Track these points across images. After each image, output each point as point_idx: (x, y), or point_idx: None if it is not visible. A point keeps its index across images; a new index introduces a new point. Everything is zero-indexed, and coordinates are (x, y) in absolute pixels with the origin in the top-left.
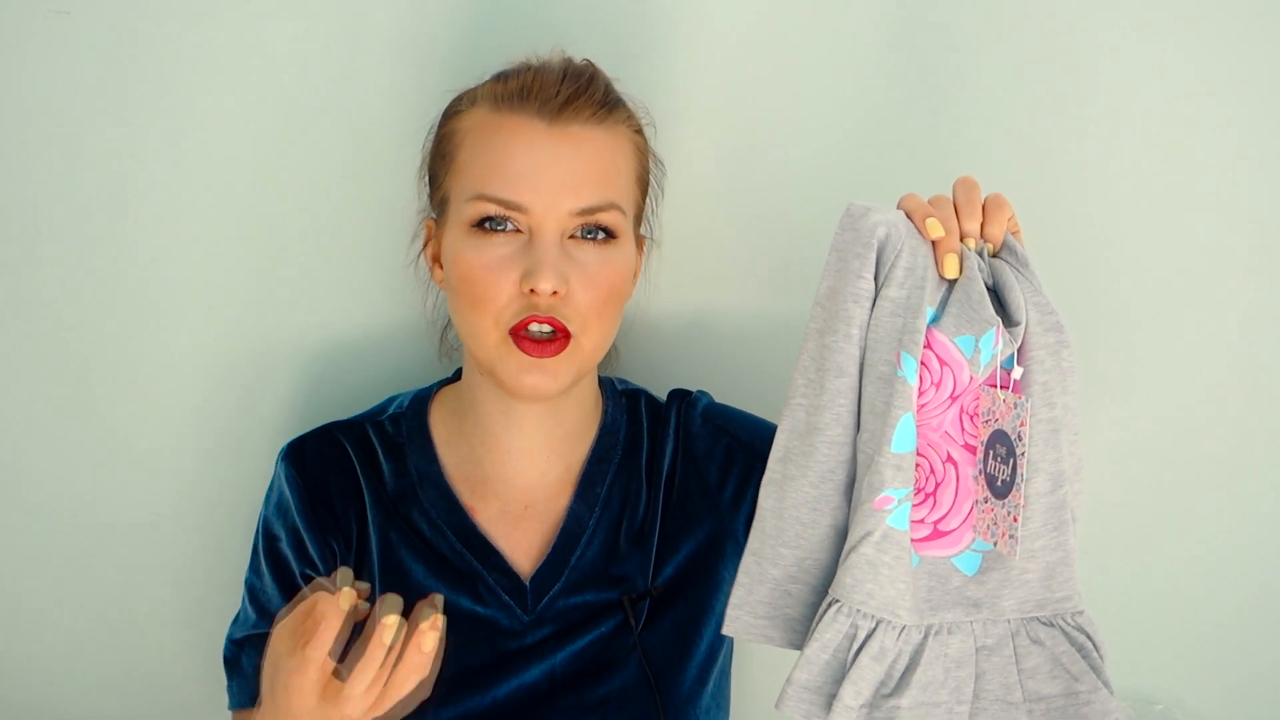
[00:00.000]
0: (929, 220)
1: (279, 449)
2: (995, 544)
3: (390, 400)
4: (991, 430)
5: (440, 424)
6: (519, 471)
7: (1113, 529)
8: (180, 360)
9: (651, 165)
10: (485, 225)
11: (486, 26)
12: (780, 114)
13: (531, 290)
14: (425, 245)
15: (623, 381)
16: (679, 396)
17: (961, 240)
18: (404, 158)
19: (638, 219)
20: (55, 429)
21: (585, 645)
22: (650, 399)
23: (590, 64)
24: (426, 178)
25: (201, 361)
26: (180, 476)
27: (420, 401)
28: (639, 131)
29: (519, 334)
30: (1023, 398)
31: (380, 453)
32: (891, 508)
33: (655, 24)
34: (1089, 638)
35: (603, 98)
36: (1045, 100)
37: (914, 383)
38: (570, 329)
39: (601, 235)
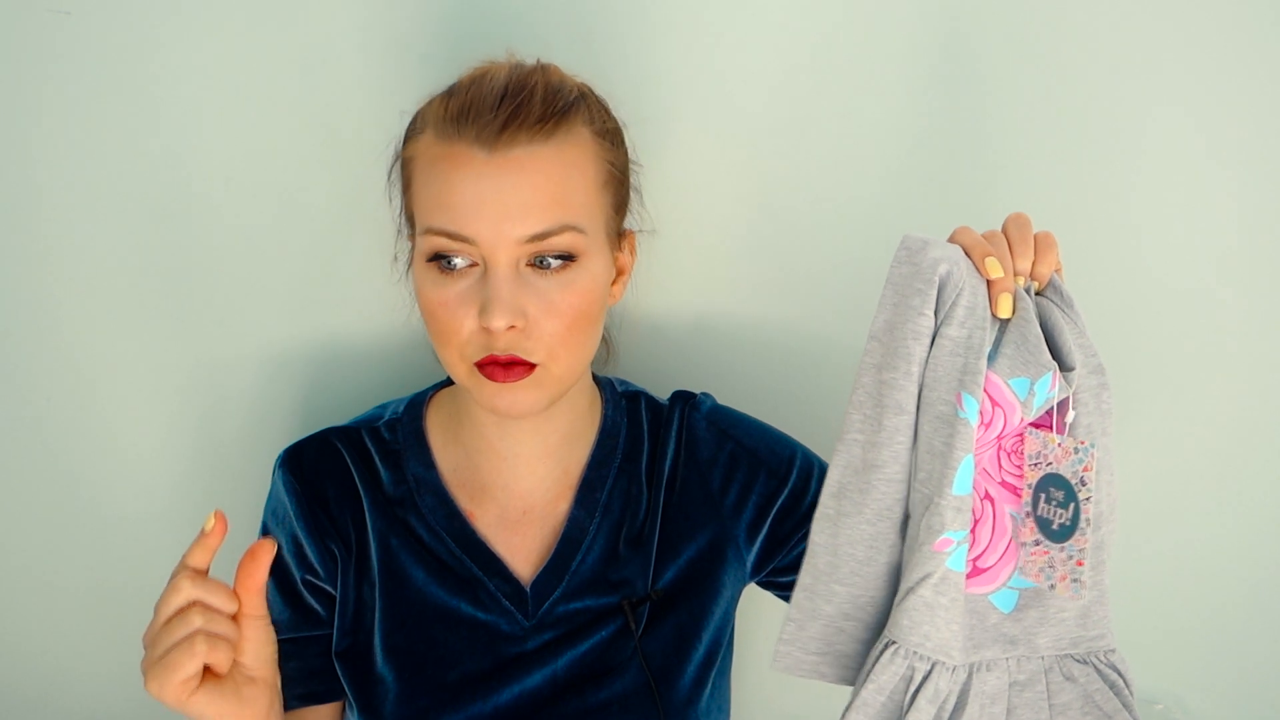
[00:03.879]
0: (989, 260)
1: (278, 453)
2: (1052, 587)
3: (384, 406)
4: (1043, 473)
5: (436, 429)
6: (516, 477)
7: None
8: (180, 363)
9: (628, 165)
10: (440, 261)
11: (502, 35)
12: (789, 117)
13: (488, 328)
14: (410, 263)
15: (622, 383)
16: (683, 398)
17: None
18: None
19: (614, 224)
20: (54, 432)
21: (586, 650)
22: (651, 400)
23: (538, 69)
24: (399, 200)
25: (202, 364)
26: (179, 480)
27: (416, 406)
28: (601, 133)
29: (484, 366)
30: (1086, 443)
31: (377, 459)
32: (951, 550)
33: (666, 25)
34: (1120, 675)
35: (544, 110)
36: (1052, 109)
37: (975, 424)
38: (533, 360)
39: (558, 262)
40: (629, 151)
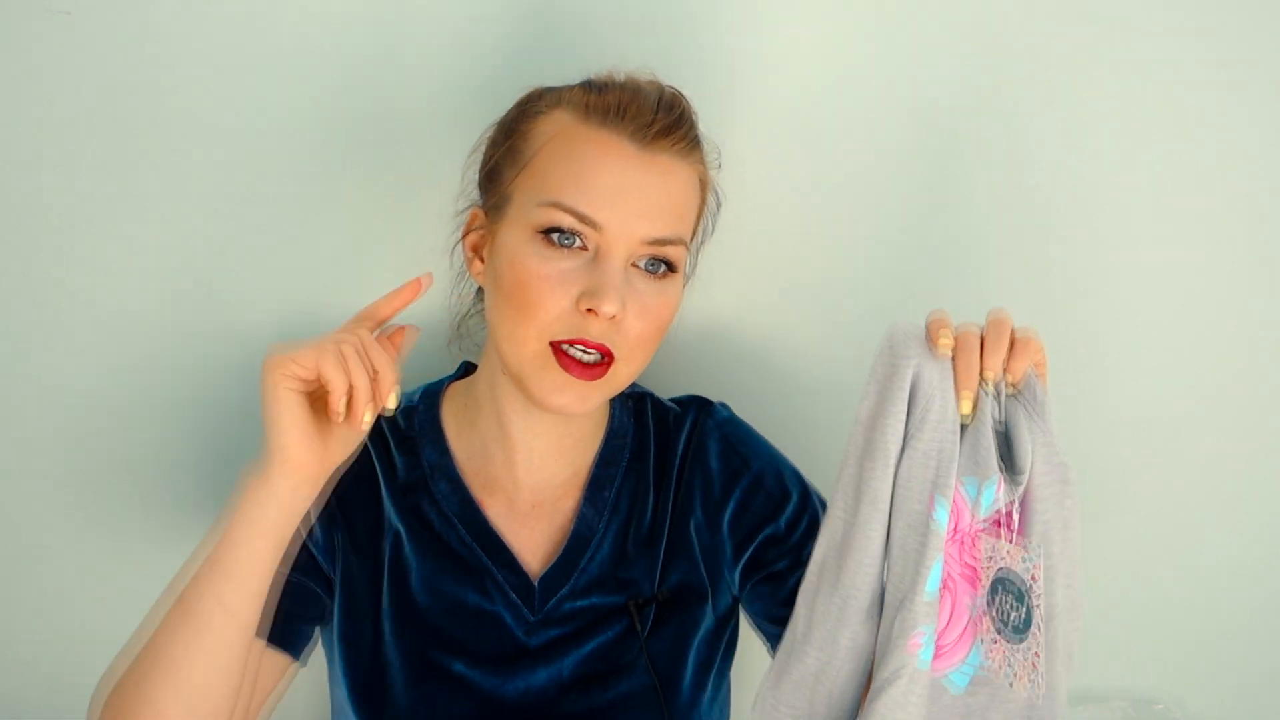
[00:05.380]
0: (942, 339)
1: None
2: (1011, 685)
3: None
4: (996, 572)
5: (451, 418)
6: (529, 471)
7: (1113, 529)
8: (183, 349)
9: (710, 203)
10: (553, 236)
11: (499, 29)
12: (797, 126)
13: (590, 310)
14: (465, 234)
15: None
16: (698, 404)
17: (982, 375)
18: (422, 148)
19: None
20: (59, 425)
21: (592, 650)
22: (656, 402)
23: (680, 95)
24: (484, 170)
25: (208, 350)
26: (186, 470)
27: (431, 396)
28: (708, 172)
29: (561, 349)
30: (1029, 553)
31: (393, 445)
32: (923, 642)
33: (692, 36)
34: None
35: (692, 131)
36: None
37: (946, 528)
38: (616, 354)
39: (663, 269)
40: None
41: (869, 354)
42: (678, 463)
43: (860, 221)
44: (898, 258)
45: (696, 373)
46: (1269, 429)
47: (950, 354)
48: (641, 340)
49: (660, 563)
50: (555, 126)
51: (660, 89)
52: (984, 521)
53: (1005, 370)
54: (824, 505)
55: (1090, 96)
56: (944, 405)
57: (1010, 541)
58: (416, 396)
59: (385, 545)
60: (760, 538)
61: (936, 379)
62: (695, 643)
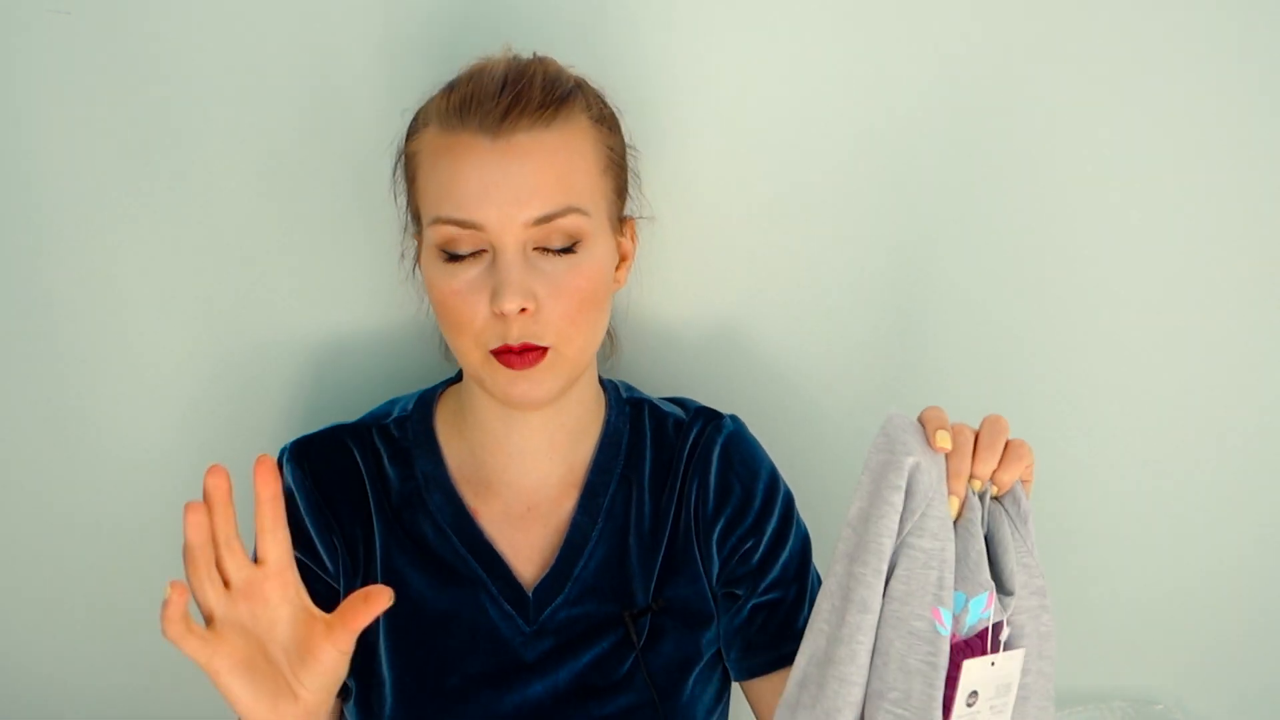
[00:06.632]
0: (940, 432)
1: (280, 448)
2: None
3: (393, 403)
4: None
5: (444, 425)
6: (522, 473)
7: (1113, 529)
8: (178, 360)
9: (626, 151)
10: (449, 250)
11: (499, 26)
12: (798, 107)
13: (500, 313)
14: (417, 259)
15: (628, 388)
16: (705, 416)
17: (971, 478)
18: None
19: (616, 209)
20: (52, 431)
21: (588, 663)
22: (654, 409)
23: (535, 61)
24: (404, 197)
25: (200, 361)
26: (179, 477)
27: (425, 403)
28: (599, 119)
29: (499, 353)
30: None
31: (385, 458)
32: None
33: (683, 22)
34: None
35: (544, 98)
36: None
37: (949, 639)
38: (544, 344)
39: (565, 244)
40: (626, 137)
41: (865, 355)
42: (681, 474)
43: (851, 223)
44: (892, 258)
45: (692, 364)
46: (1269, 429)
47: (948, 450)
48: (570, 318)
49: (656, 573)
50: (426, 142)
51: (509, 65)
52: (965, 637)
53: (992, 477)
54: (805, 540)
55: (1074, 93)
56: (943, 505)
57: (995, 652)
58: (410, 405)
59: (378, 564)
60: (736, 557)
61: (935, 477)
62: (696, 658)
